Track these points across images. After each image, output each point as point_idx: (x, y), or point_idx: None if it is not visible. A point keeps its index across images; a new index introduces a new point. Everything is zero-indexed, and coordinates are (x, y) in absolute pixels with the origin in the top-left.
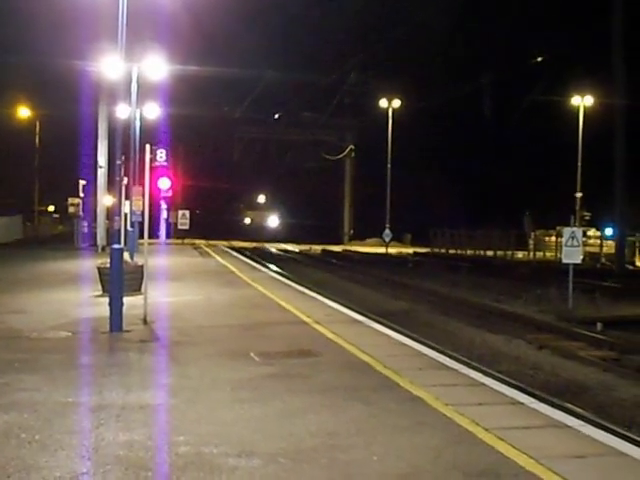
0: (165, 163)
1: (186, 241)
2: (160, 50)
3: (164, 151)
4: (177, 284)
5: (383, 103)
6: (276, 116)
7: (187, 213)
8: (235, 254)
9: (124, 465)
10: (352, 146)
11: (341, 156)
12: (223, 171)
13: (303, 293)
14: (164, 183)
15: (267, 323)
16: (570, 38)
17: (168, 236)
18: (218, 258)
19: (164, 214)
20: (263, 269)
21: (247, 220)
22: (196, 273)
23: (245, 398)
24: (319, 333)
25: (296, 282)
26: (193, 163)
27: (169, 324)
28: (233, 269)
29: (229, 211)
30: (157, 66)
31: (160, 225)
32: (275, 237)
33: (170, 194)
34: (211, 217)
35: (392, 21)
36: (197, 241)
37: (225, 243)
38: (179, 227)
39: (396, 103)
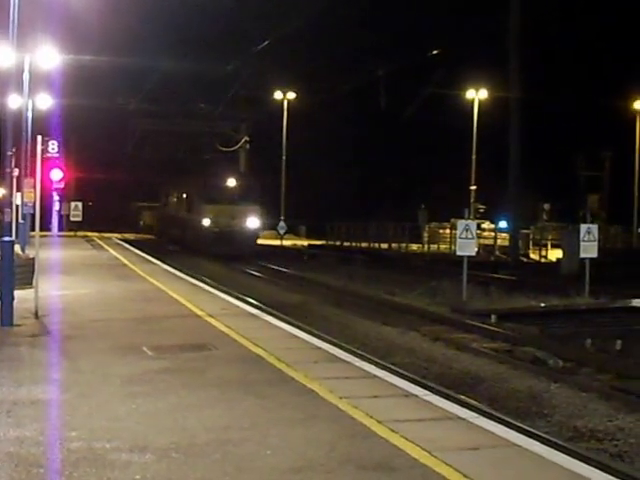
0: (57, 154)
1: (79, 234)
2: (53, 39)
3: (56, 142)
4: (69, 277)
5: (278, 95)
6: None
7: (80, 205)
8: (128, 247)
9: (15, 461)
10: (247, 138)
11: (235, 148)
12: (118, 163)
13: (197, 286)
14: (56, 174)
15: (160, 317)
16: (466, 31)
17: (60, 229)
18: (111, 251)
19: (56, 206)
20: (156, 262)
21: (206, 221)
22: (89, 266)
23: (138, 392)
24: (213, 326)
25: (190, 275)
26: (87, 155)
27: (61, 318)
28: (126, 262)
29: (124, 203)
30: (50, 56)
31: (52, 217)
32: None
33: (62, 186)
34: (105, 209)
35: (288, 13)
36: (90, 234)
37: (119, 236)
38: (72, 219)
39: (291, 95)
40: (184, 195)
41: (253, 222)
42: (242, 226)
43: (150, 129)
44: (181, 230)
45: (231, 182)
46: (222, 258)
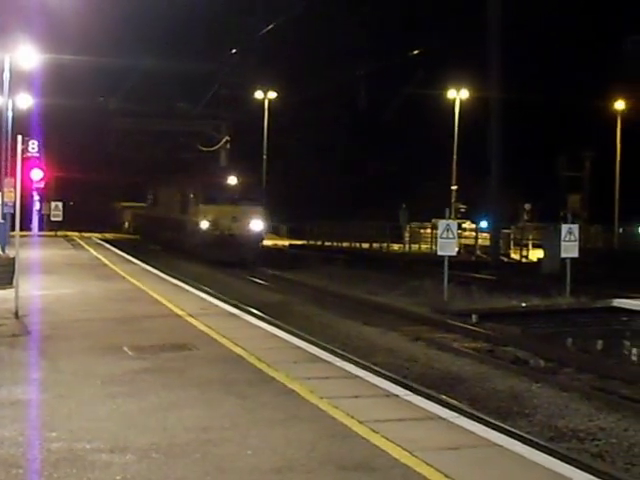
0: (37, 154)
1: (59, 233)
2: (33, 39)
3: (36, 142)
4: (50, 277)
5: (259, 94)
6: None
7: (60, 205)
8: (108, 246)
9: None
10: (227, 137)
11: (216, 147)
12: (98, 162)
13: (177, 286)
14: (36, 174)
15: (141, 317)
16: (446, 31)
17: (41, 228)
18: (92, 251)
19: (37, 206)
20: (137, 262)
21: (204, 223)
22: (69, 266)
23: (118, 393)
24: (193, 326)
25: (171, 275)
26: (67, 154)
27: (41, 318)
28: (106, 262)
29: (105, 203)
30: (30, 55)
31: (33, 217)
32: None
33: (42, 185)
34: (86, 209)
35: (270, 12)
36: (70, 233)
37: (100, 236)
38: (52, 219)
39: (272, 94)
40: (177, 194)
41: (257, 224)
42: (244, 229)
43: (130, 128)
44: (174, 233)
45: (231, 180)
46: (207, 259)
